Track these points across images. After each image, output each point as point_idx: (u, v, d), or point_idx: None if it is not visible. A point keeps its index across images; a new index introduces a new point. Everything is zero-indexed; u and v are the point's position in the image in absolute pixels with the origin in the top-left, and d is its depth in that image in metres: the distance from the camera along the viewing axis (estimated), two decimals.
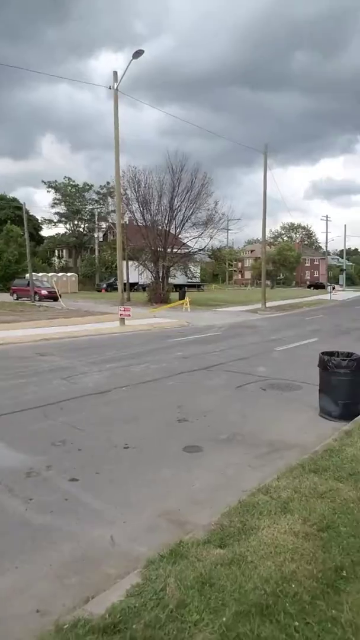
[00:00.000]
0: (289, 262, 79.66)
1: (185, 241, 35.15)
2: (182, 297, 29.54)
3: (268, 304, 29.47)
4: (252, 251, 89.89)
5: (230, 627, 2.43)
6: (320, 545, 3.18)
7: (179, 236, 34.48)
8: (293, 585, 2.75)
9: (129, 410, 7.06)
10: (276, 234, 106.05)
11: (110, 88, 18.55)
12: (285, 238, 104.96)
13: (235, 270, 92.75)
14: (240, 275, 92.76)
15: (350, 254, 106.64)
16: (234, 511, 3.68)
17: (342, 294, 49.90)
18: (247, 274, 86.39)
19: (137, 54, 18.18)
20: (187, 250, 35.35)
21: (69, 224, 61.97)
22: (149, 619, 2.51)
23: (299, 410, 7.09)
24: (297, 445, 5.54)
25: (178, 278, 40.08)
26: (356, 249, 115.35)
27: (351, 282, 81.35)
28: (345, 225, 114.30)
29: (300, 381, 8.75)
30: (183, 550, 3.13)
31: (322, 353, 6.95)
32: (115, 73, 18.47)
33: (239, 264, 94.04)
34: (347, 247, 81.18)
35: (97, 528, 3.72)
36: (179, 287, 37.81)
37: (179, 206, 32.34)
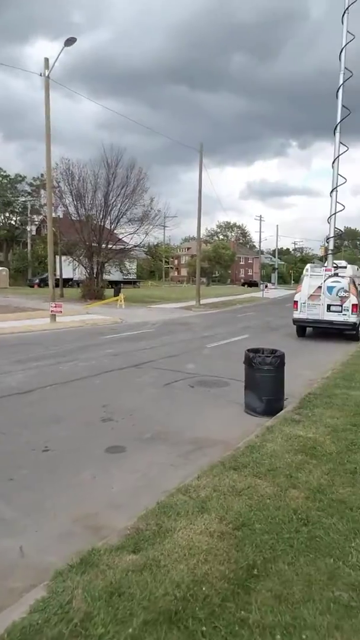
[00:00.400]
0: (224, 260, 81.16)
1: (120, 237, 34.74)
2: (117, 294, 29.16)
3: (203, 301, 29.81)
4: (188, 248, 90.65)
5: (136, 638, 2.33)
6: (234, 544, 3.17)
7: (115, 232, 34.03)
8: (204, 588, 2.71)
9: (52, 411, 6.79)
10: (212, 232, 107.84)
11: (41, 75, 17.87)
12: (221, 236, 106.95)
13: (171, 267, 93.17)
14: (176, 272, 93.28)
15: (282, 253, 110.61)
16: (151, 513, 3.59)
17: (273, 292, 51.55)
18: (184, 271, 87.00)
19: (70, 41, 17.61)
20: (122, 247, 34.94)
21: (0, 217, 59.34)
22: (51, 635, 2.36)
23: (225, 407, 7.16)
24: (221, 442, 5.56)
25: (113, 274, 39.52)
26: (288, 249, 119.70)
27: (282, 280, 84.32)
28: (277, 226, 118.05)
29: (228, 377, 8.85)
30: (94, 559, 3.00)
31: (248, 350, 7.04)
32: (46, 60, 17.79)
33: (176, 261, 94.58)
34: (279, 247, 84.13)
35: (6, 539, 3.49)
36: (114, 284, 37.32)
37: (114, 201, 31.89)
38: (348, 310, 14.01)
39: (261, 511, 3.61)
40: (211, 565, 2.93)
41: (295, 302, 14.76)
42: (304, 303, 14.55)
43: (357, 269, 16.75)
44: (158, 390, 8.11)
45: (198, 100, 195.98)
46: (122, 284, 38.01)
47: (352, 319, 13.99)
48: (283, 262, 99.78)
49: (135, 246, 35.68)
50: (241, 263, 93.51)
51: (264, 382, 6.70)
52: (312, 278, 14.66)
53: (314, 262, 17.83)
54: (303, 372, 9.54)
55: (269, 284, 58.60)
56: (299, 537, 3.26)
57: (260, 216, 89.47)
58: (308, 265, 15.93)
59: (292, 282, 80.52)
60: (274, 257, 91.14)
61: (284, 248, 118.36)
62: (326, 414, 6.22)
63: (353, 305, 13.96)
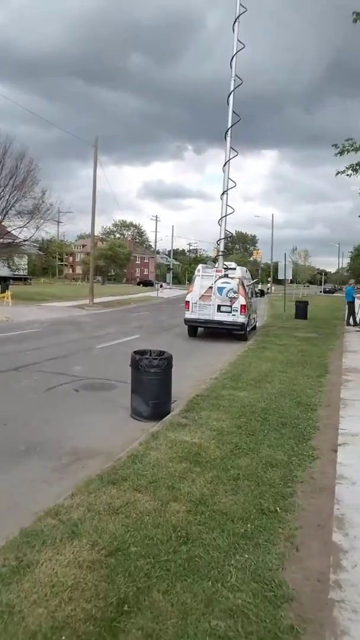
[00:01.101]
0: (120, 259, 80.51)
1: (9, 230, 32.57)
2: (3, 290, 27.28)
3: (96, 300, 29.04)
4: (83, 246, 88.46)
5: None
6: (106, 575, 2.81)
7: (2, 224, 31.81)
8: (64, 637, 2.31)
9: None
10: (108, 230, 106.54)
11: None
12: (118, 235, 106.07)
13: (66, 265, 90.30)
14: (71, 270, 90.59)
15: (177, 254, 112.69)
16: (10, 545, 3.10)
17: (168, 291, 52.15)
18: (79, 269, 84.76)
19: None
20: (10, 240, 32.80)
21: None
22: None
23: (111, 412, 6.77)
24: (103, 452, 5.16)
25: (1, 270, 37.09)
26: (183, 250, 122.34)
27: (177, 280, 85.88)
28: (173, 227, 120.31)
29: (116, 380, 8.47)
30: None
31: (134, 352, 6.73)
32: None
33: (70, 258, 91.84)
34: (175, 248, 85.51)
35: None
36: (3, 280, 34.97)
37: (1, 192, 29.77)
38: (237, 310, 14.37)
39: (138, 531, 3.29)
40: (76, 604, 2.54)
41: (187, 302, 14.82)
42: (196, 303, 14.66)
43: (246, 271, 17.36)
44: (39, 395, 7.48)
45: (96, 96, 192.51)
46: (10, 280, 35.74)
47: (241, 319, 14.38)
48: (178, 263, 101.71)
49: (24, 240, 33.68)
50: (137, 262, 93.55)
51: (151, 385, 6.44)
52: (203, 278, 14.82)
53: (207, 263, 18.07)
54: (192, 372, 9.48)
55: (164, 284, 59.26)
56: (177, 558, 3.00)
57: (157, 216, 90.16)
58: (200, 266, 16.11)
59: (187, 282, 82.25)
60: (170, 257, 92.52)
61: (180, 249, 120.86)
62: (212, 417, 6.12)
63: (242, 305, 14.35)
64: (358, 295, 21.67)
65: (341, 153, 16.64)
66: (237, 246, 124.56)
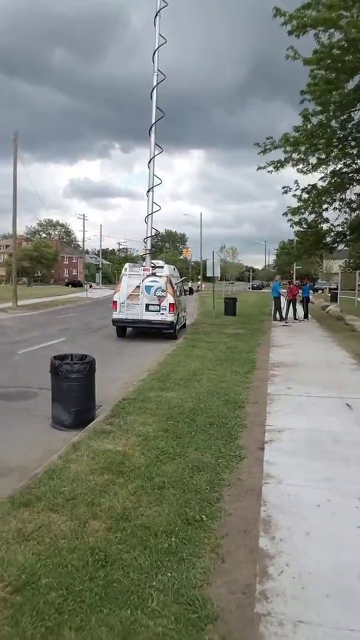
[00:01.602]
0: (46, 259, 77.93)
1: None
2: None
3: (22, 302, 27.77)
4: (6, 246, 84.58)
5: None
6: (10, 617, 2.47)
7: None
8: None
9: None
10: (34, 230, 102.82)
11: None
12: (44, 235, 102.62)
13: None
14: None
15: (107, 253, 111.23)
16: None
17: (98, 292, 51.17)
18: (2, 271, 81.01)
19: None
20: None
21: None
22: None
23: (30, 423, 6.32)
24: (17, 468, 4.75)
25: None
26: (113, 249, 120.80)
27: (107, 280, 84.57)
28: (101, 226, 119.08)
29: (37, 387, 7.98)
30: None
31: (54, 357, 6.32)
32: None
33: None
34: (104, 247, 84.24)
35: None
36: None
37: None
38: (166, 309, 14.22)
39: (51, 558, 2.98)
40: None
41: (115, 302, 14.46)
42: (123, 303, 14.34)
43: (174, 269, 17.26)
44: None
45: (16, 90, 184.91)
46: None
47: (170, 318, 14.25)
48: (108, 262, 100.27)
49: None
50: (65, 263, 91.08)
51: (72, 391, 6.07)
52: (130, 277, 14.53)
53: (137, 262, 17.73)
54: (120, 375, 9.18)
55: (93, 284, 58.11)
56: (93, 586, 2.72)
57: (84, 215, 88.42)
58: (127, 265, 15.79)
59: (117, 281, 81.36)
60: (99, 256, 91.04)
61: (110, 248, 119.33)
62: (138, 421, 5.87)
63: (170, 304, 14.22)
64: (283, 290, 22.32)
65: (264, 152, 16.99)
66: (168, 245, 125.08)
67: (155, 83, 16.77)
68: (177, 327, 15.13)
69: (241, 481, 4.16)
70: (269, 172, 17.86)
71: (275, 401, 6.84)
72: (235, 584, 2.79)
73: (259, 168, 17.88)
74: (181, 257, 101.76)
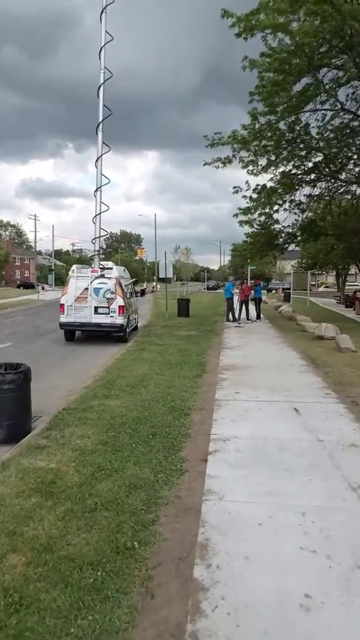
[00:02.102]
0: None
1: None
2: None
3: None
4: None
5: None
6: None
7: None
8: None
9: None
10: None
11: None
12: None
13: None
14: None
15: (61, 254, 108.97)
16: None
17: (50, 293, 49.82)
18: None
19: None
20: None
21: None
22: None
23: None
24: None
25: None
26: (67, 250, 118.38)
27: (61, 282, 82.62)
28: (53, 226, 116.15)
29: None
30: None
31: None
32: None
33: None
34: (57, 248, 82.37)
35: None
36: None
37: None
38: (115, 312, 13.85)
39: None
40: None
41: (62, 305, 13.94)
42: (71, 306, 13.85)
43: (124, 270, 16.88)
44: None
45: None
46: None
47: (120, 320, 13.88)
48: (62, 263, 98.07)
49: None
50: (17, 264, 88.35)
51: (5, 403, 5.62)
52: (78, 279, 14.06)
53: (91, 263, 17.12)
54: (64, 382, 8.76)
55: (45, 286, 56.63)
56: (2, 637, 2.36)
57: (35, 215, 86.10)
58: (74, 267, 15.29)
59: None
60: (52, 258, 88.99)
61: (63, 249, 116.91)
62: (77, 433, 5.50)
63: (120, 306, 13.85)
64: (236, 291, 22.35)
65: (211, 145, 16.89)
66: (123, 245, 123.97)
67: (102, 80, 16.37)
68: (128, 330, 14.77)
69: (180, 499, 3.89)
70: (215, 167, 17.83)
71: (222, 407, 6.63)
72: (165, 623, 2.50)
73: (206, 164, 17.80)
74: (136, 257, 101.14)
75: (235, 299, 21.01)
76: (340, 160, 18.97)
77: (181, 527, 3.45)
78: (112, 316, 13.81)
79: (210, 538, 3.27)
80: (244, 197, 18.62)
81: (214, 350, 12.00)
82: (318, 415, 6.29)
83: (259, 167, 18.18)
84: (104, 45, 16.39)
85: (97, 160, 16.19)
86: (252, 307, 21.73)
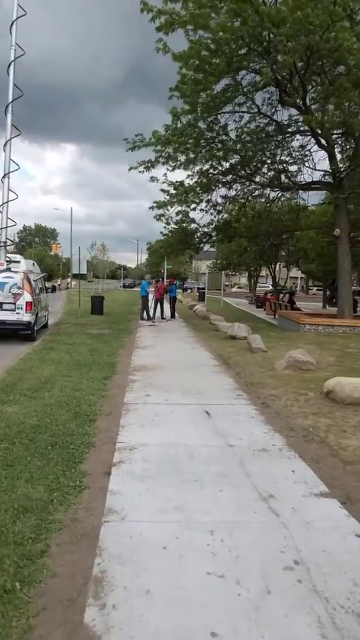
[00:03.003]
0: None
1: None
2: None
3: None
4: None
5: None
6: None
7: None
8: None
9: None
10: None
11: None
12: None
13: None
14: None
15: None
16: None
17: None
18: None
19: None
20: None
21: None
22: None
23: None
24: None
25: None
26: None
27: None
28: None
29: None
30: None
31: None
32: None
33: None
34: None
35: None
36: None
37: None
38: (22, 308, 12.89)
39: None
40: None
41: None
42: None
43: (33, 264, 15.89)
44: None
45: None
46: None
47: (27, 317, 12.94)
48: None
49: None
50: None
51: None
52: None
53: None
54: None
55: None
56: None
57: None
58: None
59: None
60: None
61: None
62: None
63: (27, 303, 12.92)
64: (151, 289, 22.07)
65: (132, 149, 16.47)
66: (37, 239, 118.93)
67: (12, 58, 15.23)
68: (36, 328, 13.85)
69: (76, 522, 3.43)
70: (140, 172, 17.44)
71: (131, 411, 6.23)
72: None
73: (131, 168, 17.37)
74: (52, 253, 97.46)
75: (151, 297, 20.73)
76: (255, 164, 19.38)
77: (74, 558, 3.00)
78: (18, 313, 12.84)
79: (107, 570, 2.86)
80: (162, 190, 18.39)
81: (126, 349, 11.56)
82: (229, 418, 6.11)
83: (178, 163, 18.01)
84: (16, 19, 15.24)
85: (5, 145, 15.03)
86: (167, 306, 21.58)
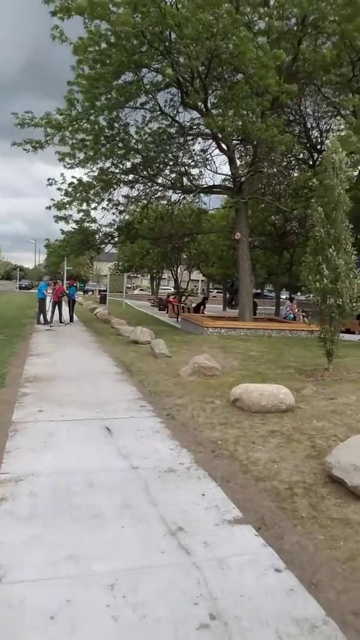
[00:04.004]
0: None
1: None
2: None
3: None
4: None
5: None
6: None
7: None
8: None
9: None
10: None
11: None
12: None
13: None
14: None
15: None
16: None
17: None
18: None
19: None
20: None
21: None
22: None
23: None
24: None
25: None
26: None
27: None
28: None
29: None
30: None
31: None
32: None
33: None
34: None
35: None
36: None
37: None
38: None
39: None
40: None
41: None
42: None
43: None
44: None
45: None
46: None
47: None
48: None
49: None
50: None
51: None
52: None
53: None
54: None
55: None
56: None
57: None
58: None
59: None
60: None
61: None
62: None
63: None
64: (50, 291, 20.79)
65: (21, 125, 15.26)
66: None
67: None
68: None
69: None
70: (25, 150, 16.12)
71: (19, 432, 5.42)
72: None
73: (15, 144, 15.95)
74: None
75: (48, 299, 19.49)
76: (157, 165, 19.10)
77: None
78: None
79: None
80: (59, 189, 17.36)
81: (18, 358, 10.50)
82: (132, 433, 5.57)
83: (77, 160, 17.09)
84: None
85: None
86: (66, 309, 20.48)
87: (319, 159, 22.01)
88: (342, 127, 19.23)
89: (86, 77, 15.15)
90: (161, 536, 3.37)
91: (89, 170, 18.32)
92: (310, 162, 22.24)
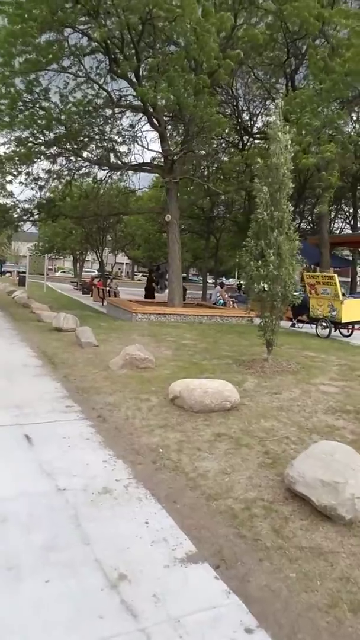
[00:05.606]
0: None
1: None
2: None
3: None
4: None
5: None
6: None
7: None
8: None
9: None
10: None
11: None
12: None
13: None
14: None
15: None
16: None
17: None
18: None
19: None
20: None
21: None
22: None
23: None
24: None
25: None
26: None
27: None
28: None
29: None
30: None
31: None
32: None
33: None
34: None
35: None
36: None
37: None
38: None
39: None
40: None
41: None
42: None
43: None
44: None
45: None
46: None
47: None
48: None
49: None
50: None
51: None
52: None
53: None
54: None
55: None
56: None
57: None
58: None
59: None
60: None
61: None
62: None
63: None
64: None
65: None
66: None
67: None
68: None
69: None
70: None
71: None
72: None
73: None
74: None
75: None
76: (82, 139, 17.75)
77: None
78: None
79: None
80: None
81: None
82: (58, 443, 4.72)
83: None
84: None
85: None
86: None
87: (249, 143, 21.82)
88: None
89: (3, 31, 13.47)
90: (98, 590, 2.62)
91: (6, 140, 16.63)
92: (240, 146, 21.95)
